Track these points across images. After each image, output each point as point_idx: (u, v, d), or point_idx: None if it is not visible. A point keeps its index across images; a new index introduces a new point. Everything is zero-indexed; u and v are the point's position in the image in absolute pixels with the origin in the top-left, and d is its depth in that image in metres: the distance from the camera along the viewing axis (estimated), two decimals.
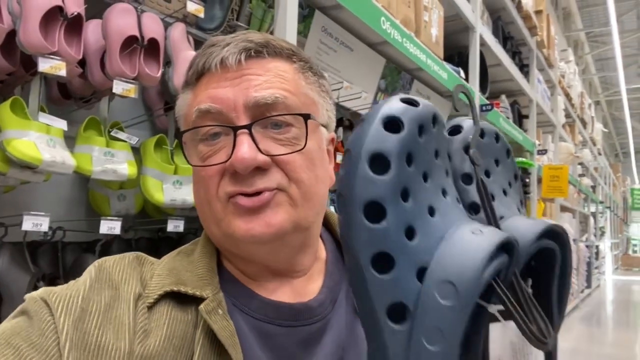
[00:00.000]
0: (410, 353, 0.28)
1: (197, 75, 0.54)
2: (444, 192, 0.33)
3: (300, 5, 1.62)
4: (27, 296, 0.48)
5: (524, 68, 4.10)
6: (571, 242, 0.38)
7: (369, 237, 0.29)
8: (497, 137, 0.42)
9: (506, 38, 3.62)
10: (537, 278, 0.39)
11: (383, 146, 0.29)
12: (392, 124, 0.30)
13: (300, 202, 0.51)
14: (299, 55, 0.56)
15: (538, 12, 4.16)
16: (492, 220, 0.33)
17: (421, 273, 0.29)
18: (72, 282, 0.50)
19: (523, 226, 0.34)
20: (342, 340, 0.52)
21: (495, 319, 0.30)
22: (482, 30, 3.01)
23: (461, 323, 0.27)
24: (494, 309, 0.30)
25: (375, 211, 0.29)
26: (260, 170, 0.49)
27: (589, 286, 8.18)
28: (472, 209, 0.37)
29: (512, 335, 0.33)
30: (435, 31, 2.43)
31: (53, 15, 0.98)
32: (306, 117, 0.51)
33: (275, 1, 1.46)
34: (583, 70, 10.08)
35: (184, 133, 0.53)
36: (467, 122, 0.40)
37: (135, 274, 0.51)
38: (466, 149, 0.38)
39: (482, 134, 0.41)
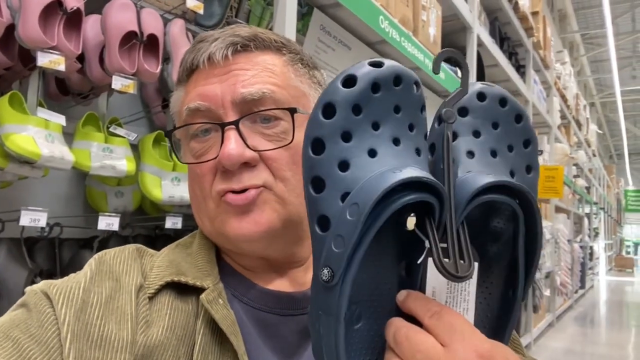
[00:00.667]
0: (324, 253, 0.36)
1: (188, 72, 0.54)
2: (396, 141, 0.39)
3: (299, 3, 1.62)
4: (28, 289, 0.48)
5: (520, 69, 4.12)
6: (537, 205, 0.41)
7: (311, 164, 0.38)
8: (504, 102, 0.43)
9: (503, 39, 3.64)
10: (502, 237, 0.42)
11: (333, 97, 0.37)
12: (349, 81, 0.37)
13: (289, 199, 0.51)
14: (289, 47, 0.56)
15: (534, 14, 4.18)
16: (445, 169, 0.38)
17: (345, 197, 0.36)
18: (72, 275, 0.50)
19: (476, 179, 0.38)
20: None
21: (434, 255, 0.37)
22: (480, 30, 3.02)
23: (356, 234, 0.34)
24: (427, 244, 0.37)
25: (319, 146, 0.37)
26: (248, 166, 0.50)
27: (582, 287, 8.22)
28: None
29: None
30: (433, 31, 2.44)
31: (52, 9, 0.97)
32: (292, 111, 0.51)
33: None
34: (578, 71, 10.13)
35: (173, 131, 0.54)
36: (471, 87, 0.43)
37: (136, 265, 0.51)
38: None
39: (483, 96, 0.43)
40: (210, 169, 0.51)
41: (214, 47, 0.51)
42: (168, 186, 1.26)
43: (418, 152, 0.40)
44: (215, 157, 0.50)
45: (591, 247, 9.63)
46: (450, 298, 0.38)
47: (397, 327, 0.36)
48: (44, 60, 0.96)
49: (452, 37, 2.94)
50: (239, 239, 0.50)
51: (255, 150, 0.50)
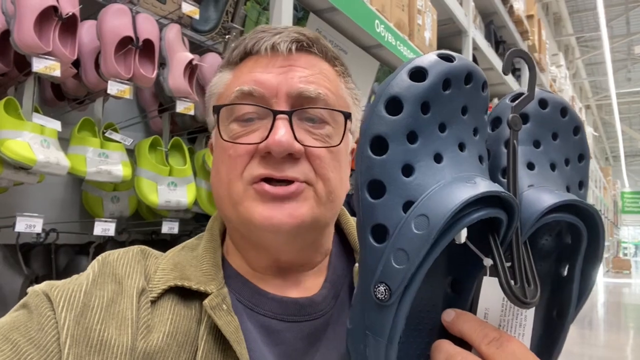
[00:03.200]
0: (380, 267, 0.32)
1: (243, 56, 0.54)
2: (462, 146, 0.35)
3: (295, 8, 1.63)
4: (30, 289, 0.48)
5: (515, 72, 4.13)
6: (603, 224, 0.37)
7: (369, 166, 0.34)
8: (565, 111, 0.41)
9: (498, 42, 3.65)
10: (565, 255, 0.38)
11: (400, 91, 0.33)
12: (418, 74, 0.33)
13: (325, 200, 0.51)
14: (340, 61, 0.57)
15: (529, 17, 4.20)
16: (511, 182, 0.35)
17: (408, 206, 0.33)
18: (75, 276, 0.50)
19: (542, 196, 0.35)
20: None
21: (492, 274, 0.33)
22: (475, 34, 3.04)
23: (423, 251, 0.30)
24: (487, 262, 0.33)
25: (381, 145, 0.33)
26: (292, 158, 0.49)
27: None
28: (504, 173, 0.38)
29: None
30: (429, 34, 2.44)
31: (48, 15, 0.97)
32: (347, 115, 0.52)
33: (270, 3, 1.47)
34: (574, 74, 10.18)
35: (222, 107, 0.52)
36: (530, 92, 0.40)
37: (139, 267, 0.51)
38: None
39: (545, 104, 0.40)
40: (248, 152, 0.50)
41: (279, 39, 0.52)
42: (164, 191, 1.26)
43: (481, 159, 0.36)
44: (259, 143, 0.49)
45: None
46: (504, 322, 0.35)
47: (450, 353, 0.33)
48: (39, 65, 0.96)
49: (448, 41, 2.95)
50: (266, 228, 0.48)
51: (302, 145, 0.49)
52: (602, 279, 13.43)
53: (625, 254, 23.98)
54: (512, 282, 0.32)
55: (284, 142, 0.47)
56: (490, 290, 0.33)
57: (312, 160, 0.50)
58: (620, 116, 12.61)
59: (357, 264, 0.55)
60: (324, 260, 0.57)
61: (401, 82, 0.33)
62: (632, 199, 19.47)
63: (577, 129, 0.41)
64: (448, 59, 0.34)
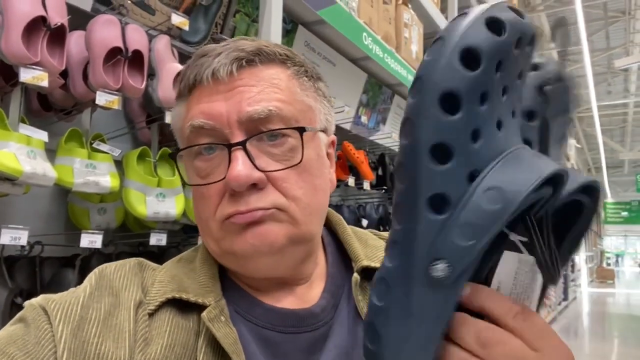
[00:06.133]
0: (439, 242, 0.29)
1: (190, 88, 0.52)
2: (514, 113, 0.32)
3: (284, 20, 1.64)
4: (26, 303, 0.47)
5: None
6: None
7: (437, 127, 0.29)
8: (568, 90, 0.39)
9: None
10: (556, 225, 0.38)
11: (479, 44, 0.29)
12: (496, 25, 0.29)
13: (302, 219, 0.50)
14: (293, 60, 0.54)
15: None
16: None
17: (472, 175, 0.29)
18: (72, 289, 0.49)
19: (570, 174, 0.33)
20: (345, 345, 0.52)
21: (512, 248, 0.31)
22: None
23: (494, 228, 0.28)
24: (513, 237, 0.31)
25: (452, 103, 0.29)
26: (256, 188, 0.48)
27: (565, 298, 8.31)
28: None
29: (520, 268, 0.33)
30: (416, 47, 2.48)
31: (36, 25, 0.97)
32: (301, 130, 0.50)
33: (259, 16, 1.48)
34: None
35: (180, 151, 0.52)
36: (548, 63, 0.38)
37: (137, 280, 0.50)
38: (540, 86, 0.36)
39: (561, 80, 0.37)
40: (218, 191, 0.49)
41: (218, 63, 0.50)
42: (153, 202, 1.25)
43: (519, 131, 0.34)
44: (223, 179, 0.48)
45: (573, 259, 9.75)
46: (515, 295, 0.33)
47: (480, 328, 0.32)
48: (26, 76, 0.95)
49: None
50: (247, 254, 0.49)
51: (263, 171, 0.48)
52: (586, 289, 13.57)
53: (609, 264, 24.29)
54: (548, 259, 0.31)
55: (241, 177, 0.47)
56: (506, 265, 0.32)
57: (278, 185, 0.49)
58: (601, 128, 12.85)
59: (355, 274, 0.55)
60: (318, 270, 0.57)
61: (479, 31, 0.29)
62: (614, 210, 19.79)
63: (570, 110, 0.40)
64: (519, 14, 0.30)
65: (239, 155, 0.48)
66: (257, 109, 0.49)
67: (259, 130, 0.49)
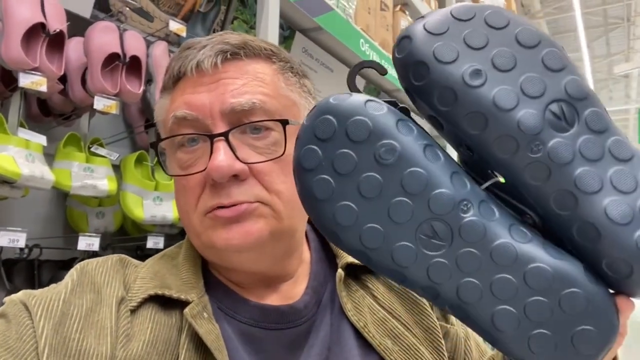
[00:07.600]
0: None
1: (174, 80, 0.53)
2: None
3: (281, 27, 1.66)
4: (7, 299, 0.47)
5: None
6: None
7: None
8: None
9: None
10: None
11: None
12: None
13: (285, 213, 0.50)
14: (279, 56, 0.54)
15: None
16: None
17: None
18: (53, 285, 0.49)
19: None
20: (328, 341, 0.52)
21: None
22: None
23: None
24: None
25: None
26: (238, 179, 0.48)
27: None
28: None
29: None
30: None
31: (35, 31, 0.99)
32: (284, 122, 0.50)
33: (257, 22, 1.49)
34: None
35: (160, 142, 0.52)
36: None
37: (119, 276, 0.50)
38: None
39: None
40: (198, 182, 0.49)
41: (202, 55, 0.50)
42: (150, 206, 1.26)
43: None
44: (204, 170, 0.48)
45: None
46: None
47: None
48: (25, 81, 0.97)
49: None
50: (229, 249, 0.49)
51: (245, 163, 0.48)
52: None
53: None
54: None
55: (223, 167, 0.46)
56: None
57: (261, 178, 0.49)
58: None
59: (340, 270, 0.55)
60: (303, 266, 0.57)
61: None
62: None
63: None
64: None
65: (221, 146, 0.48)
66: (240, 101, 0.49)
67: (242, 122, 0.49)
